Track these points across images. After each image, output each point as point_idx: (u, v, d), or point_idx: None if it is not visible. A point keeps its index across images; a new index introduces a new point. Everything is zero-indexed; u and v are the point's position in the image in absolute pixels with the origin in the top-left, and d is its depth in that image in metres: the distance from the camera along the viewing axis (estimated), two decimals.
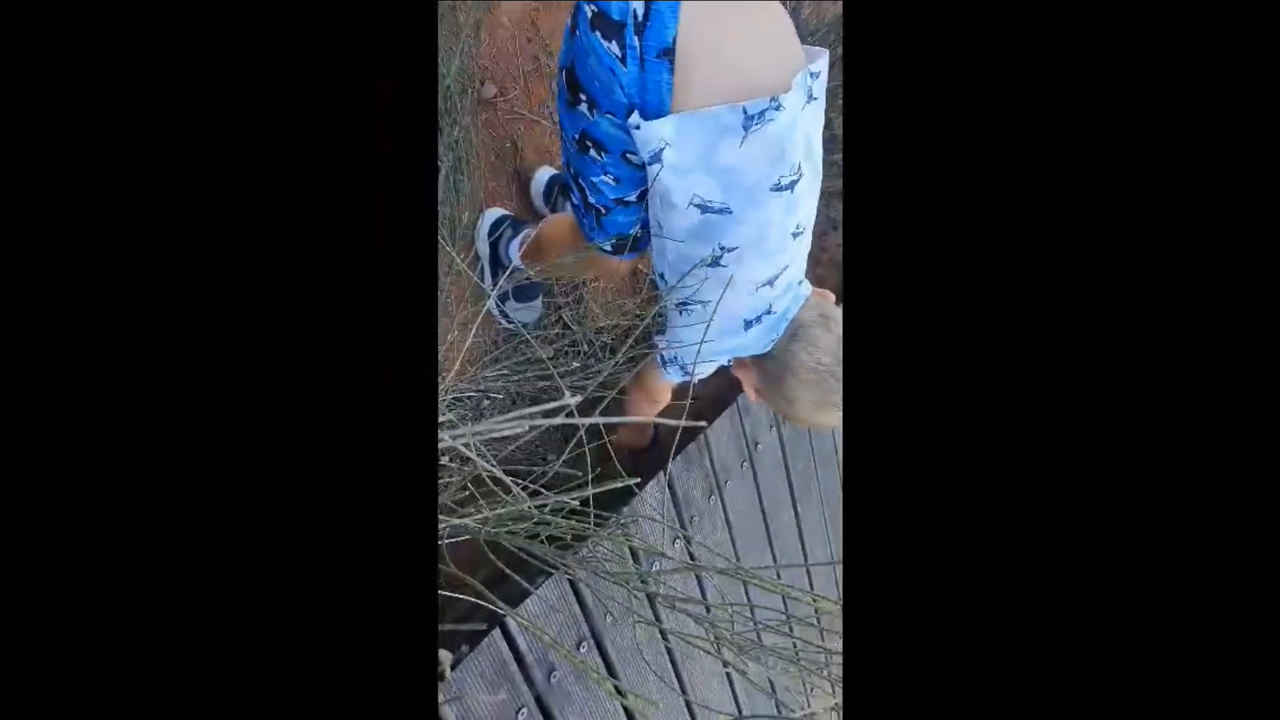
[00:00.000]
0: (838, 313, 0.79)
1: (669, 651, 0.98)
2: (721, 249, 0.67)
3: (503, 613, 0.55)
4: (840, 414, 0.79)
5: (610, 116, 0.63)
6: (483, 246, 1.06)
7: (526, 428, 0.41)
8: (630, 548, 0.87)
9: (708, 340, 0.71)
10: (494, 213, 1.06)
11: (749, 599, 1.20)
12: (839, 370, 0.76)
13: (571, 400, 0.40)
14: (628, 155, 0.66)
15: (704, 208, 0.64)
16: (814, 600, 0.61)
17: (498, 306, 1.07)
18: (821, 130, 0.68)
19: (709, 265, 0.68)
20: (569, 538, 0.62)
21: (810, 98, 0.64)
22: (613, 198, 0.70)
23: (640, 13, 0.57)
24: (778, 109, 0.60)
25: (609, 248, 0.76)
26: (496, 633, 0.77)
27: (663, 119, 0.60)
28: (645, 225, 0.75)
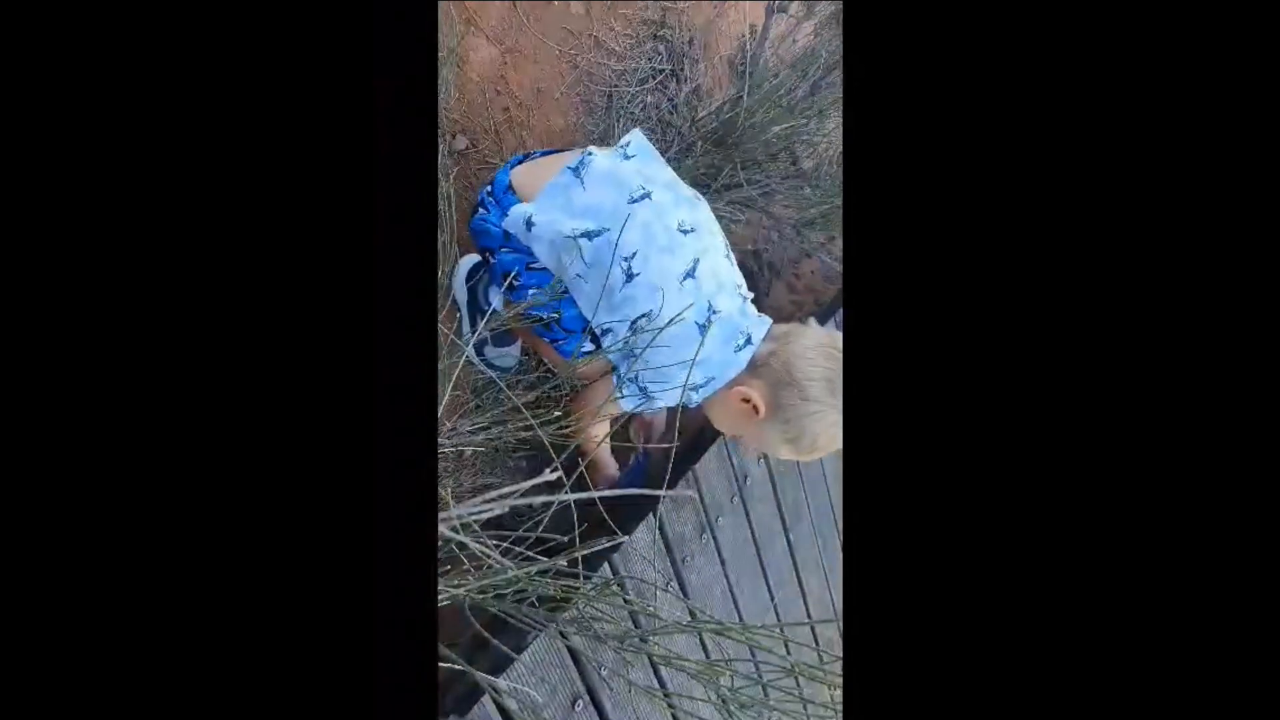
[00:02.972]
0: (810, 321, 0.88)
1: (669, 703, 0.95)
2: (626, 261, 0.78)
3: (487, 684, 0.53)
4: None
5: (502, 250, 0.86)
6: (460, 293, 1.06)
7: (507, 509, 0.40)
8: (629, 610, 0.85)
9: (671, 355, 0.77)
10: (471, 258, 1.06)
11: (750, 648, 1.18)
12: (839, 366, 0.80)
13: (551, 475, 0.39)
14: (529, 266, 0.85)
15: (588, 235, 0.79)
16: (820, 654, 0.60)
17: (476, 354, 1.06)
18: (652, 168, 0.86)
19: (626, 283, 0.79)
20: (558, 597, 0.60)
21: (623, 156, 0.86)
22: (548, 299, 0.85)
23: (490, 188, 0.89)
24: (591, 156, 0.82)
25: (590, 347, 0.84)
26: (486, 698, 0.74)
27: (521, 204, 0.84)
28: (596, 343, 0.85)
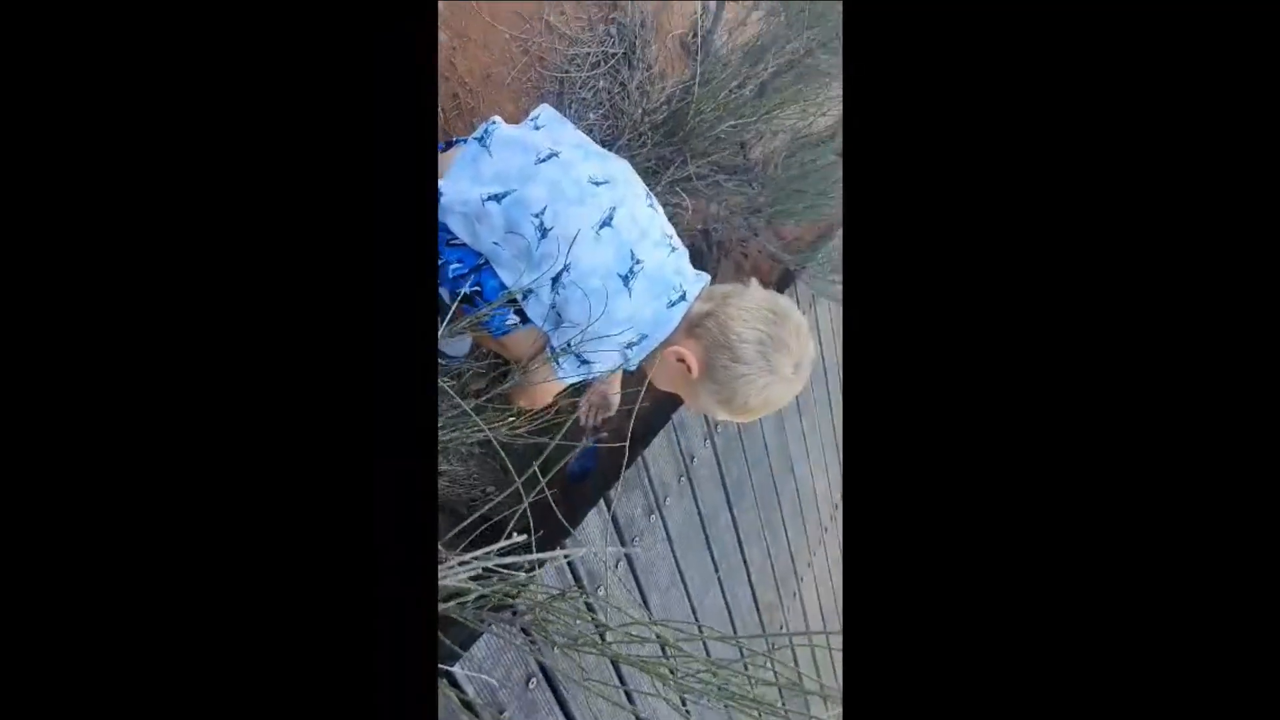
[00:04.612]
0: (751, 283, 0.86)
1: (619, 674, 1.02)
2: (536, 217, 0.78)
3: (445, 668, 0.57)
4: (777, 384, 0.79)
5: None
6: None
7: (479, 570, 0.43)
8: (586, 610, 0.88)
9: (596, 311, 0.75)
10: None
11: (699, 626, 1.26)
12: (781, 330, 0.78)
13: (520, 538, 0.42)
14: (449, 243, 0.83)
15: (496, 197, 0.79)
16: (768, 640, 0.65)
17: None
18: (560, 133, 0.86)
19: (542, 240, 0.78)
20: (515, 597, 0.64)
21: (533, 127, 0.87)
22: (469, 269, 0.84)
23: None
24: (495, 125, 0.84)
25: (515, 320, 0.83)
26: (443, 683, 0.78)
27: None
28: (522, 316, 0.83)
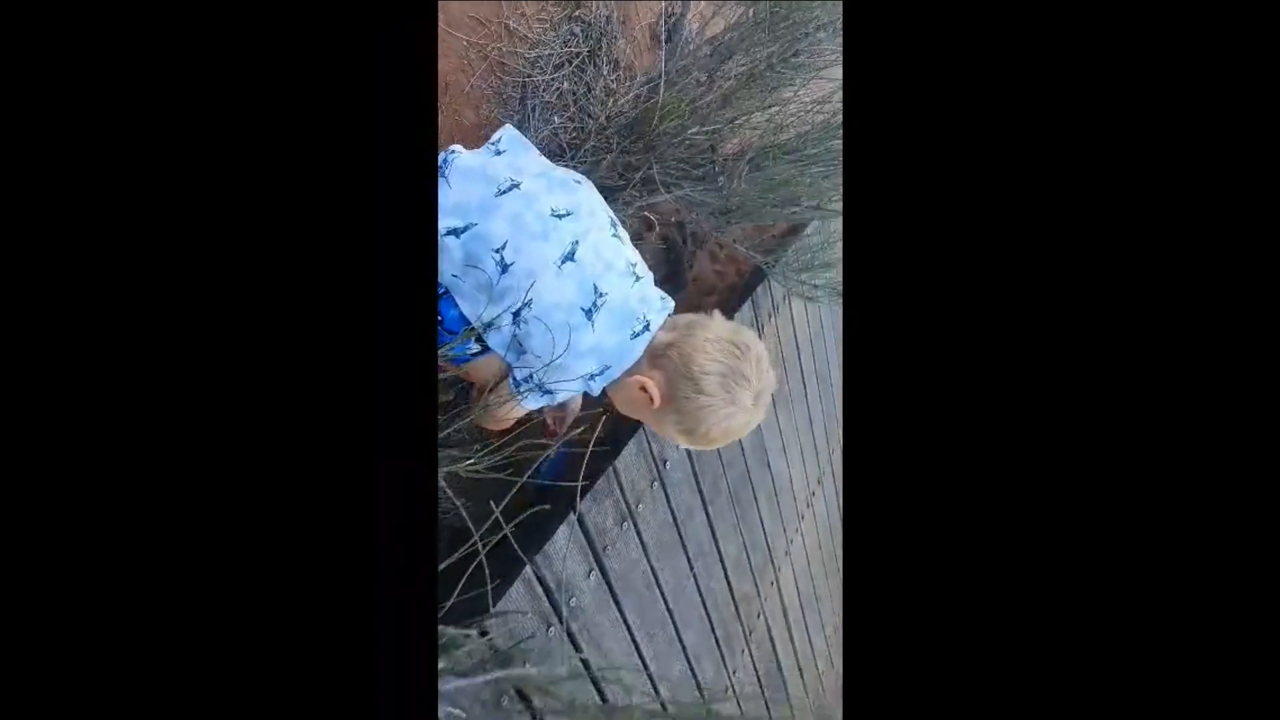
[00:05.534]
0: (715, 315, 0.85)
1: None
2: (497, 253, 0.76)
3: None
4: (739, 415, 0.80)
5: None
6: None
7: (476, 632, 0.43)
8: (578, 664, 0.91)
9: (559, 345, 0.75)
10: None
11: (697, 682, 1.30)
12: (744, 363, 0.79)
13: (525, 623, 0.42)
14: None
15: (455, 232, 0.77)
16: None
17: None
18: (522, 159, 0.84)
19: (502, 274, 0.77)
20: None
21: (494, 153, 0.85)
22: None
23: None
24: (454, 154, 0.82)
25: (476, 348, 0.82)
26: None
27: None
28: (483, 344, 0.81)
